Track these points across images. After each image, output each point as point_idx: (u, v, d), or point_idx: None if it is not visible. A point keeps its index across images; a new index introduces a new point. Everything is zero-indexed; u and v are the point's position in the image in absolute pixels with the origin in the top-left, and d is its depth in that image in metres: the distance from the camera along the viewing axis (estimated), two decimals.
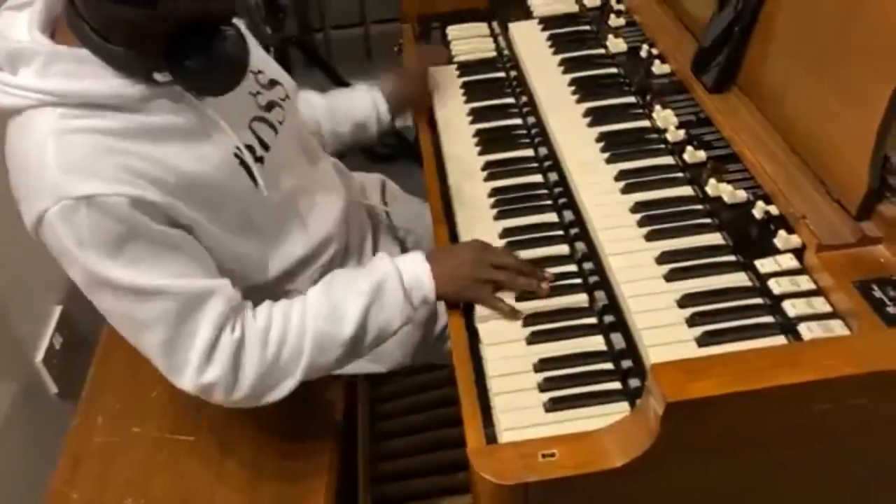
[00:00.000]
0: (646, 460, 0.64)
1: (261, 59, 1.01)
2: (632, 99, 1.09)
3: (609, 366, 0.80)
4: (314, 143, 1.09)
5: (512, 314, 0.85)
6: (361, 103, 1.19)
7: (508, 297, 0.88)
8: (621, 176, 0.96)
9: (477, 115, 1.18)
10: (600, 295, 0.87)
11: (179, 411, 1.08)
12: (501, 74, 1.28)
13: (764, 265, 0.80)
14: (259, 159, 0.91)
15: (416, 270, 0.90)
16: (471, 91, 1.24)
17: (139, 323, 0.83)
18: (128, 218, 0.77)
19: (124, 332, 0.86)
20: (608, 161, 0.99)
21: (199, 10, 0.78)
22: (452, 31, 1.41)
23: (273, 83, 1.00)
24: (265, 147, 0.93)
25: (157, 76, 0.81)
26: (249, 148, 0.90)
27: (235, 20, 0.84)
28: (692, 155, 0.95)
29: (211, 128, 0.86)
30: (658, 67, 1.12)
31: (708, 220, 0.88)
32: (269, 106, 0.97)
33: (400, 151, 2.05)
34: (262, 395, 0.88)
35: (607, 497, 0.67)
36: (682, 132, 1.00)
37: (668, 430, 0.63)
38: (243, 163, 0.88)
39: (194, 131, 0.85)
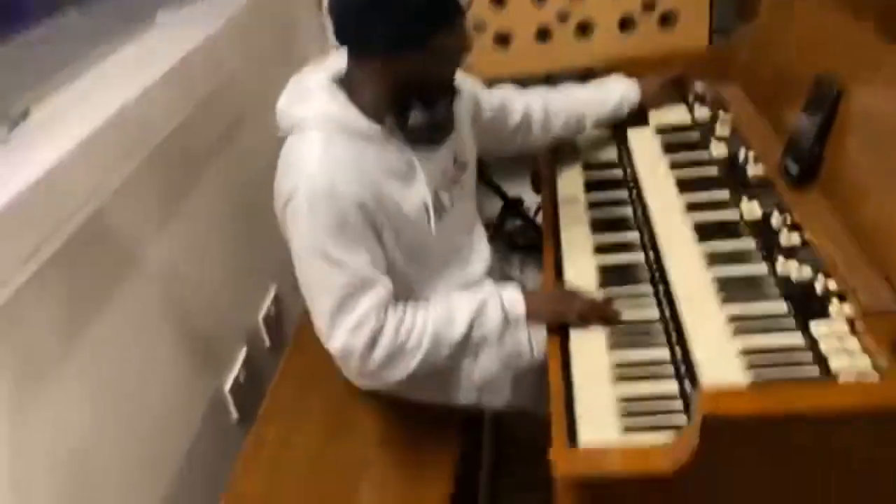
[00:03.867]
0: (687, 469, 0.80)
1: (463, 143, 1.29)
2: (726, 194, 1.27)
3: (679, 404, 0.96)
4: (475, 216, 1.37)
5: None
6: (607, 95, 1.51)
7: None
8: (707, 253, 1.14)
9: (593, 205, 1.40)
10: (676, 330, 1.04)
11: (331, 430, 1.33)
12: (619, 173, 1.50)
13: (817, 328, 0.94)
14: (438, 214, 1.20)
15: (512, 297, 1.17)
16: (591, 185, 1.47)
17: (324, 285, 1.11)
18: (349, 212, 1.08)
19: (310, 291, 1.14)
20: (698, 242, 1.17)
21: (422, 74, 1.10)
22: (581, 137, 1.65)
23: (464, 165, 1.29)
24: (444, 208, 1.23)
25: (387, 120, 1.13)
26: (434, 203, 1.20)
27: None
28: (772, 237, 1.11)
29: (414, 178, 1.18)
30: (752, 169, 1.29)
31: (776, 292, 1.04)
32: (453, 181, 1.27)
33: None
34: (386, 370, 1.13)
35: (656, 498, 0.83)
36: (763, 220, 1.16)
37: (706, 442, 0.78)
38: (427, 210, 1.19)
39: (403, 176, 1.16)
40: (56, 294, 1.16)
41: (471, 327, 1.15)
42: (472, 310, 1.16)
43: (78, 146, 1.17)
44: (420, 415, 1.32)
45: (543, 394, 1.29)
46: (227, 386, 1.64)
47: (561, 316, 1.13)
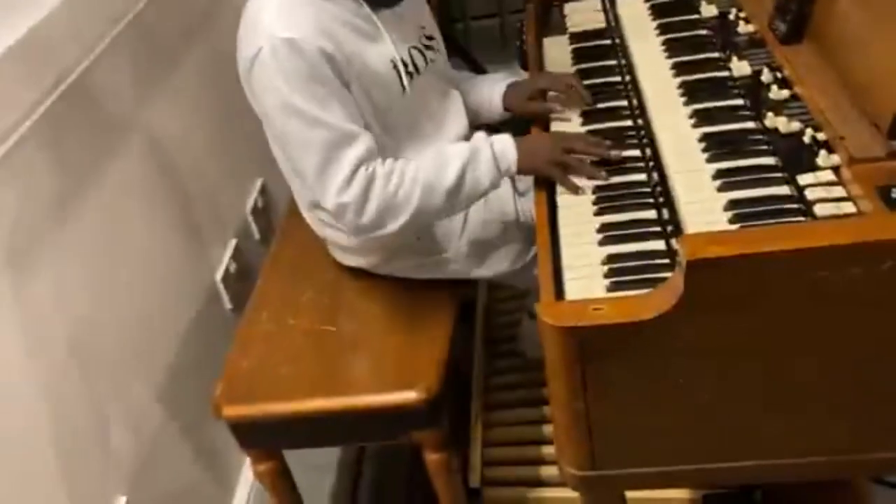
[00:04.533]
0: (671, 314, 0.81)
1: (427, 19, 1.30)
2: (716, 54, 1.24)
3: (666, 261, 0.97)
4: (451, 88, 1.35)
5: (579, 190, 1.09)
6: (480, 92, 1.38)
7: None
8: (695, 114, 1.12)
9: (582, 75, 1.37)
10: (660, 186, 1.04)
11: (325, 309, 1.34)
12: (608, 42, 1.45)
13: (804, 179, 0.94)
14: (409, 74, 1.18)
15: (504, 144, 1.15)
16: (578, 56, 1.43)
17: (305, 145, 1.10)
18: (315, 62, 1.06)
19: (293, 152, 1.13)
20: (685, 103, 1.15)
21: None
22: (569, 7, 1.60)
23: (431, 38, 1.28)
24: (417, 69, 1.20)
25: None
26: (403, 62, 1.17)
27: None
28: (761, 94, 1.09)
29: (378, 36, 1.15)
30: (742, 27, 1.25)
31: (764, 147, 1.02)
32: (427, 47, 1.25)
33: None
34: (381, 223, 1.13)
35: (640, 344, 0.84)
36: (752, 77, 1.13)
37: (690, 286, 0.79)
38: (396, 69, 1.16)
39: (367, 33, 1.14)
40: (44, 167, 1.15)
41: (462, 174, 1.14)
42: (463, 157, 1.14)
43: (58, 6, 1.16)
44: (413, 294, 1.32)
45: (528, 264, 1.31)
46: (219, 276, 1.66)
47: (552, 162, 1.11)
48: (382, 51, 1.16)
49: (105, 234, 1.28)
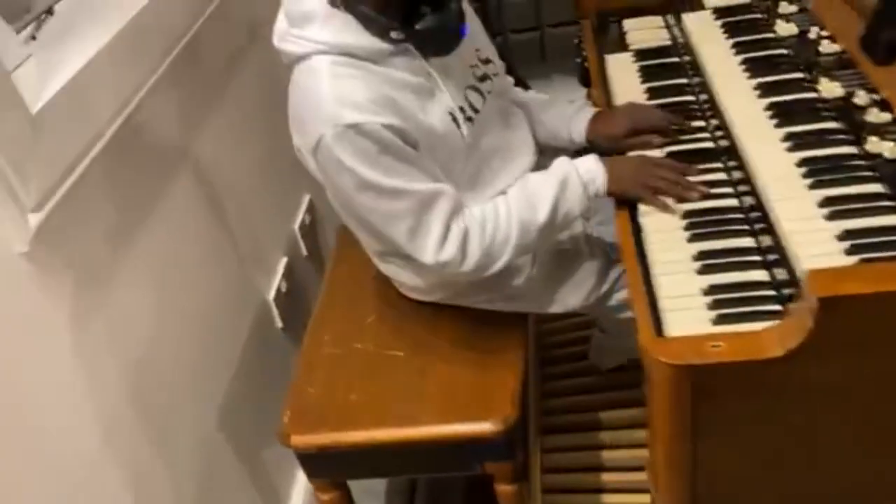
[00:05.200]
0: (800, 352, 0.77)
1: (482, 39, 1.25)
2: (800, 74, 1.20)
3: (771, 293, 0.93)
4: (515, 111, 1.30)
5: (669, 211, 1.06)
6: (557, 121, 1.33)
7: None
8: (788, 137, 1.08)
9: (652, 94, 1.33)
10: (761, 226, 1.00)
11: (390, 333, 1.30)
12: (675, 59, 1.41)
13: None
14: (469, 119, 1.13)
15: (591, 168, 1.13)
16: (647, 74, 1.39)
17: (391, 216, 1.07)
18: (382, 138, 1.02)
19: (379, 225, 1.09)
20: (776, 126, 1.11)
21: None
22: (628, 23, 1.56)
23: (488, 60, 1.23)
24: (475, 111, 1.16)
25: (392, 34, 1.05)
26: (461, 109, 1.13)
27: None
28: (857, 116, 1.05)
29: (434, 87, 1.10)
30: (826, 47, 1.21)
31: (869, 173, 0.98)
32: (483, 78, 1.20)
33: None
34: (484, 269, 1.12)
35: (760, 383, 0.80)
36: (845, 99, 1.09)
37: (820, 324, 0.75)
38: (455, 120, 1.11)
39: (422, 88, 1.09)
40: (102, 202, 1.12)
41: (555, 208, 1.12)
42: (553, 190, 1.12)
43: (110, 39, 1.13)
44: (481, 319, 1.28)
45: (602, 297, 1.27)
46: (271, 295, 1.62)
47: (642, 184, 1.08)
48: (439, 105, 1.11)
49: (160, 262, 1.24)
